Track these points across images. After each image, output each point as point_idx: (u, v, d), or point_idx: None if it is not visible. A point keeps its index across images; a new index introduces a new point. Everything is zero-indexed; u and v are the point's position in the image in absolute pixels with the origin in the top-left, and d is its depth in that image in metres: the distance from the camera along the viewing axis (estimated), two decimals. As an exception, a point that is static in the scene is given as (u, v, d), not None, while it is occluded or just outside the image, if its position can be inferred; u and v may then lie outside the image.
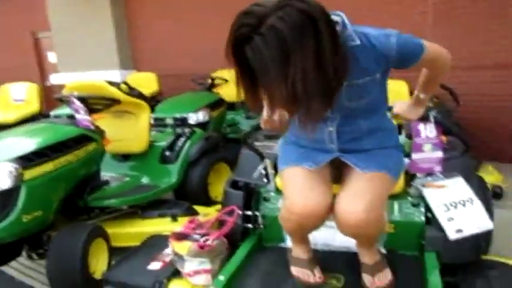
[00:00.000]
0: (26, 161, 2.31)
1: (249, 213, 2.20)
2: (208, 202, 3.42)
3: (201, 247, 2.03)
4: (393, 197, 2.05)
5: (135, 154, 3.40)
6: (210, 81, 5.40)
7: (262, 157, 2.28)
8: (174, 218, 2.85)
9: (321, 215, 1.66)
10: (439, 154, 1.98)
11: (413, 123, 1.97)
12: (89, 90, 3.02)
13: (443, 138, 2.45)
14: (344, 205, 1.62)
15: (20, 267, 2.86)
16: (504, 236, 2.39)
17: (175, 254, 2.10)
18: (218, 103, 4.94)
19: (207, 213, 2.99)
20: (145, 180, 3.28)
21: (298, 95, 1.32)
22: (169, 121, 4.33)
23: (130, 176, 3.29)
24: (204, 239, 2.07)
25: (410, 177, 2.18)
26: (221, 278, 1.81)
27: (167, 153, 3.40)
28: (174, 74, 7.36)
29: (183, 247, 2.07)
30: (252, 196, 2.25)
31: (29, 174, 2.31)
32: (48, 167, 2.41)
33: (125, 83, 3.22)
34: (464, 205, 1.95)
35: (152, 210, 2.96)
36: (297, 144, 1.84)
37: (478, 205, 1.93)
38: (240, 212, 2.19)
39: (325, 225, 2.07)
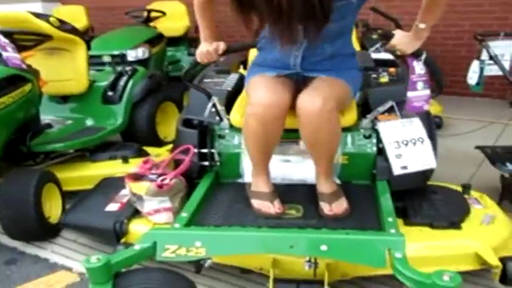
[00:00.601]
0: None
1: (205, 151, 2.27)
2: (158, 143, 3.44)
3: (160, 186, 2.09)
4: (346, 129, 2.19)
5: (75, 95, 3.30)
6: (146, 14, 5.20)
7: (208, 95, 2.31)
8: (126, 160, 2.86)
9: (282, 108, 1.86)
10: (428, 92, 2.06)
11: (409, 59, 2.01)
12: (13, 24, 2.84)
13: (392, 69, 2.60)
14: (303, 99, 1.84)
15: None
16: (444, 163, 2.64)
17: (134, 194, 2.16)
18: (157, 39, 4.82)
19: (159, 154, 3.05)
20: (89, 122, 3.22)
21: (282, 12, 1.52)
22: (106, 59, 4.20)
23: (73, 118, 3.21)
24: (161, 178, 2.13)
25: (362, 111, 2.33)
26: (184, 214, 1.89)
27: (109, 93, 3.32)
28: (105, 6, 7.01)
29: (141, 187, 2.13)
30: (206, 134, 2.31)
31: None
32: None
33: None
34: (414, 144, 2.11)
35: (101, 153, 2.95)
36: (263, 66, 2.07)
37: (427, 145, 2.10)
38: (196, 150, 2.24)
39: (283, 160, 2.22)
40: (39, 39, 2.92)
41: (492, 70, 3.10)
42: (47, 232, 2.42)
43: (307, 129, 1.86)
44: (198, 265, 1.88)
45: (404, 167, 2.03)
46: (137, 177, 2.21)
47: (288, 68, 2.03)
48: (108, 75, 3.51)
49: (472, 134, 3.57)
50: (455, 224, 2.02)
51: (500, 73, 2.99)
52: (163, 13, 5.29)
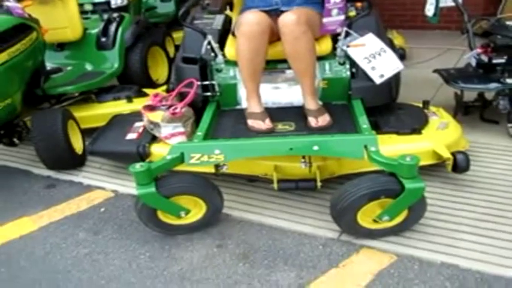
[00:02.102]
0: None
1: (207, 83, 2.76)
2: (151, 85, 3.90)
3: (173, 114, 2.59)
4: (323, 58, 2.70)
5: (70, 43, 3.69)
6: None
7: (204, 34, 2.77)
8: (130, 100, 3.34)
9: (265, 25, 2.40)
10: (342, 17, 2.56)
11: None
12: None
13: (359, 4, 3.12)
14: (282, 17, 2.38)
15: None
16: (408, 88, 3.22)
17: (151, 122, 2.65)
18: (133, -16, 5.14)
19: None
20: (88, 67, 3.63)
21: None
22: (87, 7, 4.51)
23: (71, 64, 3.61)
24: (173, 107, 2.63)
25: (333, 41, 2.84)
26: (199, 133, 2.40)
27: (103, 39, 3.72)
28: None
29: (157, 116, 2.62)
30: (206, 68, 2.79)
31: (-11, 65, 2.62)
32: (3, 57, 2.68)
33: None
34: (380, 55, 2.65)
35: (105, 94, 3.41)
36: (251, 7, 2.61)
37: (389, 52, 2.65)
38: (199, 83, 2.73)
39: (273, 87, 2.74)
40: (32, -12, 3.27)
41: (447, 2, 3.63)
42: (75, 161, 2.92)
43: (288, 40, 2.38)
44: (216, 170, 2.43)
45: (382, 75, 2.57)
46: (152, 108, 2.70)
47: (270, 5, 2.61)
48: (97, 23, 3.89)
49: (433, 61, 4.16)
50: (416, 130, 2.63)
51: (452, 4, 3.52)
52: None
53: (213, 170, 2.49)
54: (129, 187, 2.73)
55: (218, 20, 3.05)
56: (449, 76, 3.20)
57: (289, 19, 2.36)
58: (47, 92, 3.13)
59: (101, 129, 2.96)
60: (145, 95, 3.55)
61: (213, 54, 2.76)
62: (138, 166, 2.06)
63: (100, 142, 2.79)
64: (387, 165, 2.05)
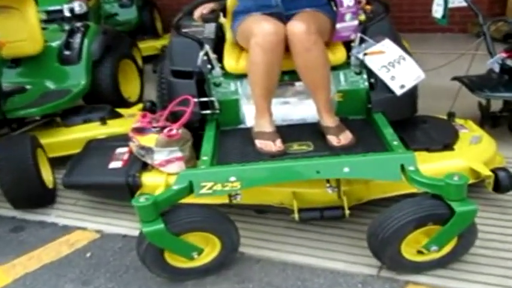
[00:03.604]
0: None
1: (205, 99, 2.74)
2: (123, 104, 3.85)
3: (170, 136, 2.56)
4: (337, 68, 2.75)
5: (27, 57, 3.62)
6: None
7: (201, 44, 2.77)
8: (103, 121, 3.28)
9: (281, 35, 2.41)
10: (356, 22, 2.59)
11: None
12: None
13: (368, 7, 3.20)
14: (290, 26, 2.42)
15: None
16: (421, 99, 3.27)
17: (142, 147, 2.61)
18: (90, -11, 5.12)
19: (133, 114, 3.49)
20: (51, 85, 3.57)
21: None
22: (41, 16, 4.45)
23: (31, 83, 3.54)
24: (168, 129, 2.60)
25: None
26: (204, 158, 2.37)
27: (66, 52, 3.67)
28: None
29: (149, 139, 2.59)
30: (203, 83, 2.78)
31: None
32: None
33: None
34: (399, 63, 2.71)
35: (74, 116, 3.35)
36: (247, 12, 2.63)
37: (409, 60, 2.72)
38: (196, 100, 2.71)
39: (282, 102, 2.75)
40: (-13, -3, 3.22)
41: (455, 2, 3.77)
42: (47, 197, 2.85)
43: (298, 51, 2.41)
44: (230, 200, 2.41)
45: (402, 86, 2.62)
46: (142, 130, 2.66)
47: (271, 7, 2.63)
48: (57, 34, 3.84)
49: (442, 68, 4.27)
50: (448, 146, 2.69)
51: (463, 4, 3.66)
52: (89, -40, 5.56)
53: (219, 201, 2.47)
54: (116, 226, 2.69)
55: (210, 28, 3.06)
56: (473, 84, 3.29)
57: (298, 28, 2.39)
58: (7, 115, 3.04)
59: (75, 157, 2.89)
60: (119, 115, 3.51)
61: (209, 66, 2.76)
62: (142, 199, 2.02)
63: (78, 173, 2.73)
64: (432, 187, 2.08)
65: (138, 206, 2.01)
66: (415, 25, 6.20)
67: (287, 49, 2.47)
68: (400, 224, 2.02)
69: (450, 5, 3.76)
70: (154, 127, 2.67)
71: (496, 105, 3.40)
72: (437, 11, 3.83)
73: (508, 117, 3.36)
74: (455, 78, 3.51)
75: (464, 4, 3.66)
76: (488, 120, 3.37)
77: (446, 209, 2.01)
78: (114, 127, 3.32)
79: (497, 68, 3.32)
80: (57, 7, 4.53)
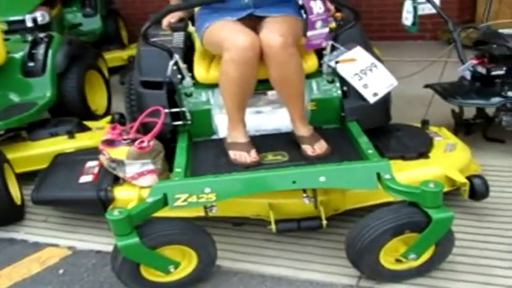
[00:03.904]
0: None
1: (176, 110, 2.77)
2: (90, 115, 3.86)
3: (141, 148, 2.58)
4: (309, 76, 2.80)
5: (-13, 70, 3.61)
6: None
7: (170, 53, 2.81)
8: (71, 135, 3.29)
9: (257, 49, 2.41)
10: (327, 30, 2.62)
11: (305, 0, 2.60)
12: None
13: (338, 14, 3.28)
14: (264, 38, 2.42)
15: None
16: (394, 107, 3.35)
17: (113, 160, 2.63)
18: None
19: (102, 127, 3.50)
20: (15, 98, 3.56)
21: None
22: (1, 26, 4.43)
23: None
24: (139, 141, 2.62)
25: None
26: (178, 169, 2.40)
27: (30, 64, 3.67)
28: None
29: (120, 152, 2.61)
30: (174, 93, 2.81)
31: None
32: None
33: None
34: (371, 70, 2.80)
35: (40, 130, 3.35)
36: (217, 11, 2.62)
37: (381, 67, 2.81)
38: (166, 111, 2.74)
39: (255, 112, 2.80)
40: None
41: (425, 9, 3.88)
42: (15, 213, 2.85)
43: (274, 65, 2.44)
44: (205, 212, 2.44)
45: (375, 94, 2.70)
46: (112, 143, 2.68)
47: (242, 8, 2.62)
48: (20, 45, 3.84)
49: (415, 76, 4.38)
50: (423, 154, 2.77)
51: (433, 11, 3.77)
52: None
53: (195, 214, 2.50)
54: (88, 242, 2.71)
55: (178, 37, 3.09)
56: (445, 91, 3.40)
57: (275, 42, 2.39)
58: (-31, 130, 3.03)
59: (43, 172, 2.89)
60: (87, 129, 3.52)
61: (179, 76, 2.79)
62: (116, 213, 2.04)
63: (47, 188, 2.73)
64: (408, 194, 2.15)
65: (112, 219, 2.03)
66: (385, 33, 6.33)
67: (261, 57, 2.48)
68: (378, 232, 2.09)
69: (420, 12, 3.87)
70: (124, 139, 2.70)
71: (470, 112, 3.51)
72: (407, 19, 3.93)
73: (481, 124, 3.47)
74: (427, 86, 3.61)
75: (434, 11, 3.77)
76: (462, 128, 3.47)
77: (423, 217, 2.09)
78: (83, 140, 3.32)
79: (468, 75, 3.43)
80: (19, 17, 4.50)
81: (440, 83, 3.59)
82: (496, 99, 3.21)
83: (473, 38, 3.78)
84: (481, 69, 3.32)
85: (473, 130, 3.48)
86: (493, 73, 3.26)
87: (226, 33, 2.49)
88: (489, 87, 3.29)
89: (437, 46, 5.60)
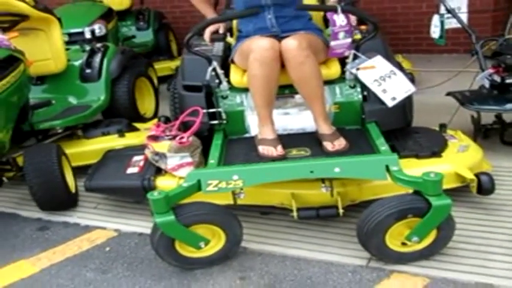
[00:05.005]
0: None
1: (213, 110, 3.09)
2: (139, 119, 4.23)
3: (181, 143, 2.91)
4: (332, 82, 3.09)
5: (52, 75, 4.01)
6: (91, -13, 5.91)
7: (210, 61, 3.14)
8: (121, 134, 3.66)
9: (277, 51, 2.76)
10: (349, 40, 2.93)
11: (328, 14, 2.89)
12: (-8, 6, 3.54)
13: (363, 27, 3.54)
14: (284, 44, 2.77)
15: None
16: (421, 114, 3.61)
17: (156, 153, 2.96)
18: (109, 14, 5.57)
19: (149, 128, 3.84)
20: (73, 100, 3.96)
21: None
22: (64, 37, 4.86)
23: (55, 98, 3.92)
24: (179, 137, 2.95)
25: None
26: (212, 161, 2.71)
27: (87, 71, 4.07)
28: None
29: (163, 146, 2.94)
30: (211, 96, 3.14)
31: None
32: (-6, 91, 3.03)
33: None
34: (390, 77, 3.03)
35: (93, 130, 3.73)
36: (248, 36, 3.01)
37: (400, 75, 3.04)
38: (205, 111, 3.06)
39: (283, 113, 3.09)
40: (17, 19, 3.63)
41: (452, 23, 4.09)
42: (70, 200, 3.19)
43: (292, 65, 2.76)
44: (234, 199, 2.74)
45: (394, 98, 2.94)
46: (155, 138, 3.02)
47: (268, 30, 3.01)
48: (79, 54, 4.24)
49: (445, 84, 4.58)
50: (436, 153, 2.99)
51: (458, 25, 3.98)
52: (108, -15, 6.02)
53: (226, 202, 2.79)
54: (132, 225, 3.02)
55: (218, 47, 3.42)
56: (464, 98, 3.60)
57: (291, 44, 2.74)
58: (35, 127, 3.42)
59: (95, 165, 3.26)
60: (136, 129, 3.88)
61: (217, 81, 3.12)
62: (155, 194, 2.36)
63: (98, 178, 3.08)
64: (412, 183, 2.39)
65: (152, 199, 2.35)
66: (422, 46, 6.53)
67: (284, 66, 2.81)
68: (383, 216, 2.33)
69: (447, 26, 4.09)
70: (167, 135, 3.03)
71: (489, 118, 3.70)
72: (435, 32, 4.16)
73: (498, 129, 3.66)
74: (449, 94, 3.82)
75: (459, 25, 3.98)
76: (480, 132, 3.67)
77: (424, 203, 2.31)
78: (131, 139, 3.68)
79: (487, 84, 3.62)
80: (79, 29, 4.92)
81: (461, 91, 3.78)
82: (510, 106, 3.39)
83: (492, 50, 3.96)
84: (497, 78, 3.51)
85: (491, 134, 3.68)
86: (507, 81, 3.45)
87: (252, 42, 2.85)
88: (505, 94, 3.48)
89: (470, 59, 5.74)
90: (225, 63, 3.27)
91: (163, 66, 5.98)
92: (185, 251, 2.50)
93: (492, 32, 6.02)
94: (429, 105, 4.30)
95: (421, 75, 5.38)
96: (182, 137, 2.94)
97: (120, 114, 4.14)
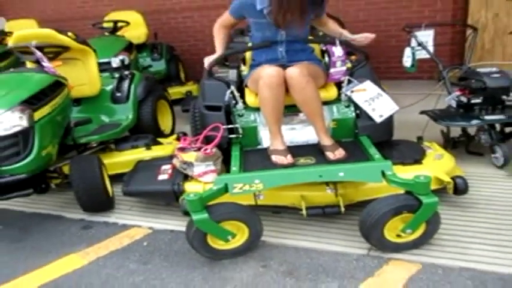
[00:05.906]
0: (30, 104, 2.93)
1: (231, 126, 3.13)
2: (160, 134, 4.26)
3: (206, 153, 2.94)
4: (330, 102, 3.16)
5: (87, 98, 4.02)
6: (112, 24, 5.93)
7: (228, 85, 3.19)
8: (148, 147, 3.68)
9: (282, 77, 2.83)
10: (345, 68, 3.07)
11: (328, 46, 3.03)
12: (41, 39, 3.55)
13: (353, 57, 3.63)
14: (288, 72, 2.84)
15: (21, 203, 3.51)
16: (398, 130, 3.63)
17: (185, 162, 2.99)
18: (130, 46, 5.59)
19: (170, 142, 3.88)
20: (105, 119, 3.97)
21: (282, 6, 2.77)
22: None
23: (91, 117, 3.93)
24: (204, 148, 2.98)
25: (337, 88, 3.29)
26: (234, 168, 2.75)
27: (117, 94, 4.09)
28: (55, 19, 7.58)
29: (191, 156, 2.96)
30: (230, 114, 3.18)
31: (37, 115, 2.94)
32: (46, 109, 3.04)
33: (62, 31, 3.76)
34: (378, 98, 3.12)
35: (124, 143, 3.74)
36: (260, 65, 3.06)
37: (385, 96, 3.12)
38: (224, 127, 3.10)
39: (290, 128, 3.14)
40: (60, 50, 3.65)
41: (421, 54, 4.20)
42: (109, 203, 3.20)
43: (296, 90, 2.83)
44: (255, 200, 2.77)
45: (381, 115, 3.02)
46: (183, 150, 3.05)
47: (278, 61, 3.05)
48: (109, 80, 4.26)
49: (414, 106, 4.66)
50: (418, 161, 3.06)
51: (428, 56, 4.08)
52: (128, 23, 6.05)
53: (248, 202, 2.82)
54: (164, 224, 3.03)
55: (233, 73, 3.48)
56: (436, 116, 3.69)
57: (294, 72, 2.82)
58: (77, 141, 3.43)
59: (129, 173, 3.27)
60: (159, 143, 3.90)
61: (234, 101, 3.17)
62: (192, 195, 2.38)
63: (134, 184, 3.09)
64: (405, 185, 2.45)
65: (189, 200, 2.38)
66: (390, 74, 6.64)
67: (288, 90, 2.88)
68: (382, 212, 2.39)
69: (417, 57, 4.19)
70: (193, 147, 3.06)
71: (455, 132, 3.79)
72: (407, 61, 4.25)
73: (464, 141, 3.75)
74: (423, 112, 3.91)
75: (428, 56, 4.09)
76: (449, 144, 3.76)
77: (416, 201, 2.38)
78: (157, 151, 3.69)
79: (454, 104, 3.72)
80: (106, 60, 4.94)
81: (432, 110, 3.87)
82: (475, 121, 3.49)
83: (457, 76, 4.07)
84: (463, 99, 3.60)
85: (458, 146, 3.77)
86: (472, 101, 3.55)
87: (262, 70, 2.91)
88: (470, 112, 3.57)
89: (432, 84, 5.85)
90: (240, 87, 3.32)
91: (175, 91, 6.01)
92: (215, 243, 2.53)
93: (451, 62, 6.15)
94: (404, 123, 4.35)
95: (393, 97, 5.44)
96: (206, 149, 2.97)
97: (145, 130, 4.15)
